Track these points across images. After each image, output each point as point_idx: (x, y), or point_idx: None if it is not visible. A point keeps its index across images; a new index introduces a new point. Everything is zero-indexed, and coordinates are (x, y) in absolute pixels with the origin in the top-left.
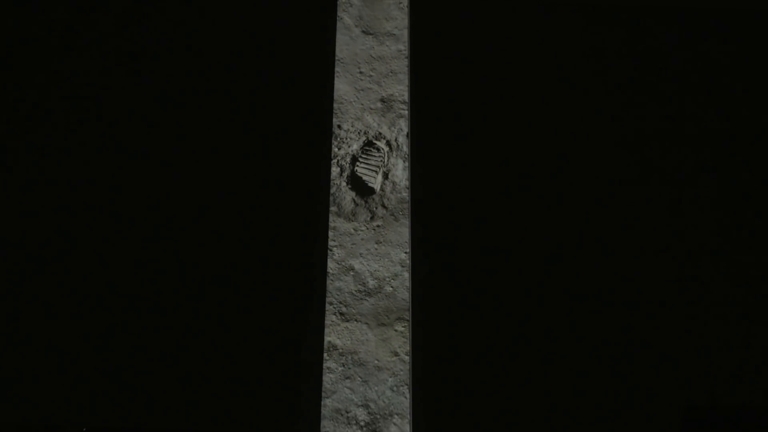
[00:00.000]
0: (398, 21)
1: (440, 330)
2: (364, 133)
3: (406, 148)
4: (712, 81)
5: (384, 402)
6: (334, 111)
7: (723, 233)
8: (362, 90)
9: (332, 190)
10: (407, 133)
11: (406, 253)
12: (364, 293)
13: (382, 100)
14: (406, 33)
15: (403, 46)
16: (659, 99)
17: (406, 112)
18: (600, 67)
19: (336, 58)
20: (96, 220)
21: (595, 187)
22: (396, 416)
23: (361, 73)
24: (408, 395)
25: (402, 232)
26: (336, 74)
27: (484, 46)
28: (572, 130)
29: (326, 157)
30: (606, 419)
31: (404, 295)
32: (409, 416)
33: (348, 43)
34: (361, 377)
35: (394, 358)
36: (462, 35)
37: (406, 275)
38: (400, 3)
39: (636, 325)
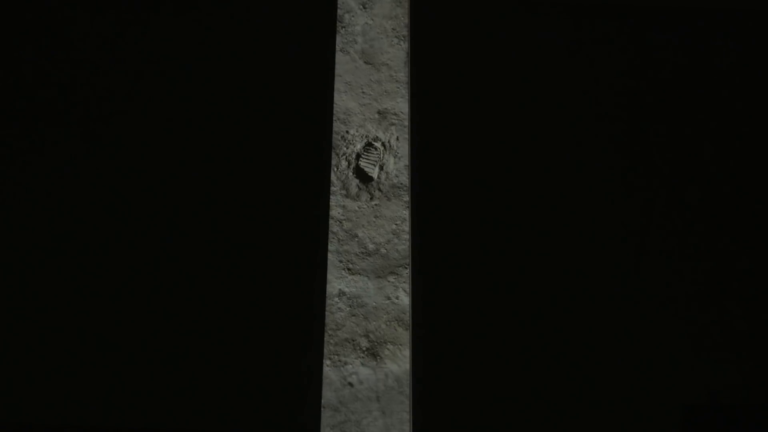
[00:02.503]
0: (391, 54)
1: (429, 281)
2: (366, 136)
3: (396, 148)
4: (711, 81)
5: (380, 333)
6: (343, 120)
7: (723, 235)
8: (364, 105)
9: (342, 178)
10: (398, 137)
11: (396, 224)
12: (365, 254)
13: (379, 113)
14: (397, 62)
15: (394, 72)
16: (659, 99)
17: (397, 121)
18: (598, 69)
19: (345, 81)
20: (110, 219)
21: (594, 187)
22: (389, 344)
23: (363, 92)
24: (398, 328)
25: (393, 209)
26: (345, 93)
27: (472, 67)
28: (561, 129)
29: (333, 155)
30: (606, 419)
31: (395, 255)
32: (408, 344)
33: (353, 71)
34: (363, 315)
35: (387, 301)
36: (456, 53)
37: (396, 240)
38: (392, 41)
39: (636, 326)
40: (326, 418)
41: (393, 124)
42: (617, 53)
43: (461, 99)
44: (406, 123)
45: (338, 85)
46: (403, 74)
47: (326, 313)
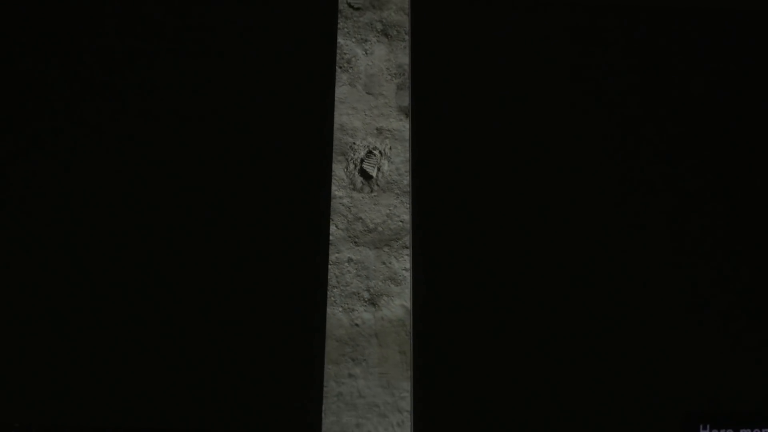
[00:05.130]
0: (386, 87)
1: (426, 251)
2: (367, 146)
3: (390, 155)
4: (711, 82)
5: (378, 288)
6: (351, 135)
7: (723, 237)
8: (366, 123)
9: (350, 177)
10: (391, 147)
11: (389, 209)
12: (366, 231)
13: (377, 129)
14: (391, 93)
15: (388, 101)
16: (662, 99)
17: (390, 135)
18: (598, 69)
19: (352, 106)
20: (109, 220)
21: (595, 188)
22: (384, 296)
23: (365, 114)
24: (390, 285)
25: (387, 198)
26: (352, 115)
27: (466, 82)
28: (558, 128)
29: (343, 159)
30: (607, 423)
31: (388, 232)
32: (407, 296)
33: (358, 98)
34: (365, 275)
35: (383, 266)
36: (454, 70)
37: (390, 221)
38: (387, 77)
39: (636, 329)
40: (338, 349)
41: (387, 137)
42: (618, 54)
43: (454, 113)
44: (398, 136)
45: (347, 109)
46: (394, 102)
47: (339, 273)
